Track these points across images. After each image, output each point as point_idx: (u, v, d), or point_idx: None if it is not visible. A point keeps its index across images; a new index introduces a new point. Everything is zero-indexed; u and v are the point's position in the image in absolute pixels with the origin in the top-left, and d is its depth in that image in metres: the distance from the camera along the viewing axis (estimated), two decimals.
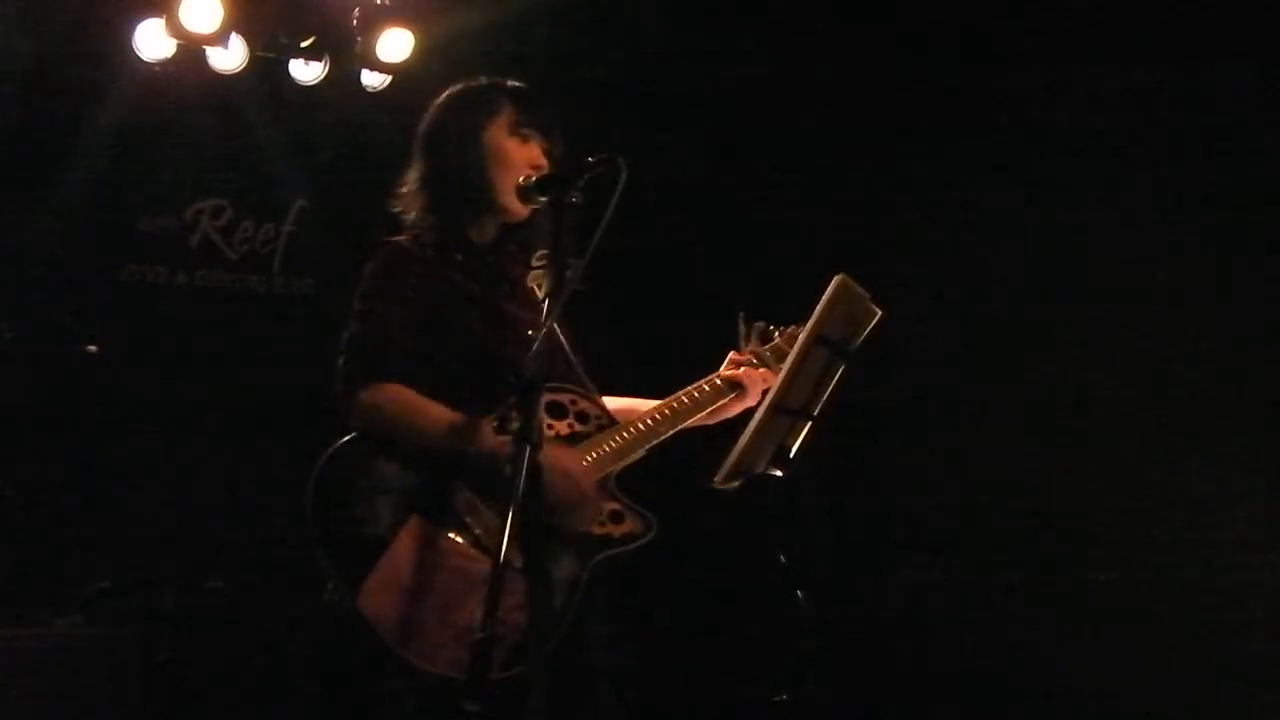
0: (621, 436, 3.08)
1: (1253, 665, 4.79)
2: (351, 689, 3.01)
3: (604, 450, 3.05)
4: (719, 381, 3.32)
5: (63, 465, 5.42)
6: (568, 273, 2.68)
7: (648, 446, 3.12)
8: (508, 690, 2.55)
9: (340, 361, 3.02)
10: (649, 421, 3.15)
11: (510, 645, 2.69)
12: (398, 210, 3.21)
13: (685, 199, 6.31)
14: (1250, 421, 5.22)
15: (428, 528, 2.85)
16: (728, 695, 5.54)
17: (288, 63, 5.84)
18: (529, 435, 2.53)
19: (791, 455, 3.20)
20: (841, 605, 5.39)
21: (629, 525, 3.01)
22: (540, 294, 3.15)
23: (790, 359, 3.14)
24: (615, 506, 3.03)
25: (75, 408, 5.45)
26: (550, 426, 3.00)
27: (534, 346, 2.67)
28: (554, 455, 2.84)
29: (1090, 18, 5.64)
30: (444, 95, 3.27)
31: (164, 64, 5.55)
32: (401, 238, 3.15)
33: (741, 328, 3.46)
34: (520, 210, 3.12)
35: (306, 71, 5.84)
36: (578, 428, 3.06)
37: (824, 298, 3.13)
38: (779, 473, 3.20)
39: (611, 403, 3.22)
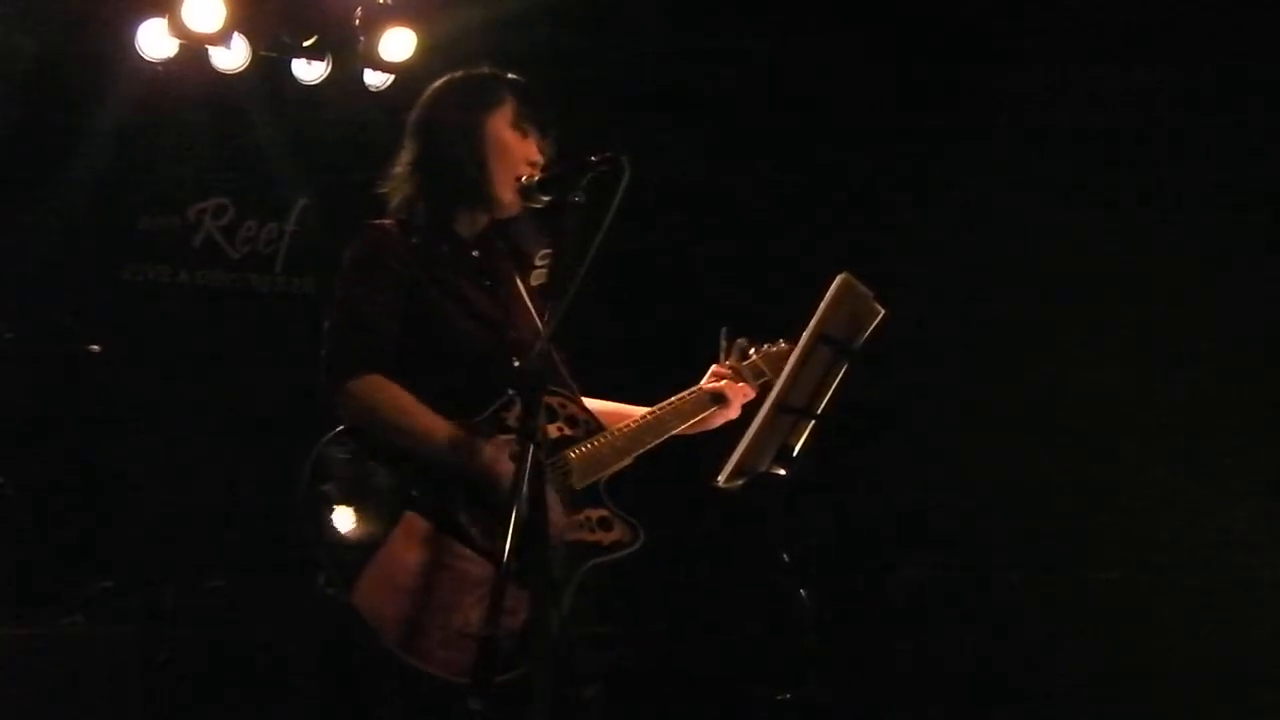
0: (609, 443, 3.07)
1: (1253, 665, 4.78)
2: (350, 688, 3.00)
3: (592, 455, 3.04)
4: (702, 393, 3.32)
5: (63, 465, 5.42)
6: (571, 274, 2.67)
7: (635, 454, 3.11)
8: (503, 694, 2.55)
9: (324, 352, 2.97)
10: (635, 429, 3.14)
11: (504, 649, 2.68)
12: (385, 191, 3.16)
13: (685, 199, 6.30)
14: (1250, 421, 5.22)
15: (423, 526, 2.83)
16: (728, 694, 5.54)
17: (290, 62, 5.85)
18: (533, 434, 2.52)
19: (795, 454, 3.20)
20: (842, 604, 5.39)
21: (617, 533, 3.01)
22: (535, 292, 3.15)
23: (793, 358, 3.14)
24: (604, 513, 3.02)
25: (75, 408, 5.45)
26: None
27: (537, 344, 2.67)
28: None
29: (1090, 18, 5.64)
30: (442, 82, 3.24)
31: (166, 63, 5.56)
32: (386, 221, 3.10)
33: (723, 343, 3.46)
34: (512, 205, 3.11)
35: (309, 71, 5.85)
36: (567, 432, 3.04)
37: (827, 296, 3.13)
38: (782, 472, 3.20)
39: (592, 405, 3.20)
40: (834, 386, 3.21)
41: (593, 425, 3.08)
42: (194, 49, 5.53)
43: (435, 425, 2.89)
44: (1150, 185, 5.48)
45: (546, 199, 3.04)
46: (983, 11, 5.86)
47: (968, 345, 5.77)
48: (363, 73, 5.83)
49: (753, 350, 3.46)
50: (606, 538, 2.99)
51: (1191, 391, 5.36)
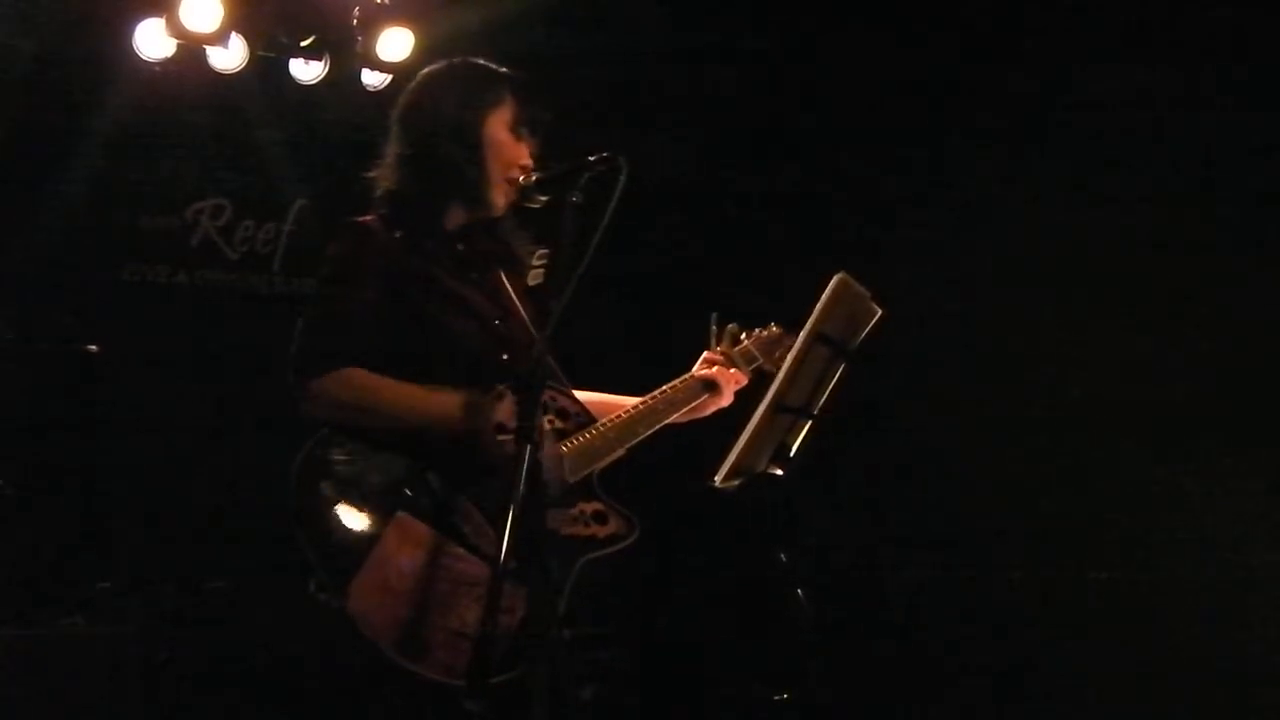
0: (601, 434, 3.05)
1: (1253, 665, 4.78)
2: (348, 690, 2.99)
3: (585, 448, 3.02)
4: (694, 380, 3.30)
5: (63, 465, 5.41)
6: (570, 273, 2.66)
7: (628, 445, 3.10)
8: (500, 694, 2.55)
9: (294, 349, 2.93)
10: (627, 420, 3.12)
11: (504, 648, 2.66)
12: (373, 177, 3.13)
13: (684, 199, 6.30)
14: (1250, 422, 5.21)
15: (414, 526, 2.81)
16: (726, 695, 5.54)
17: (288, 62, 5.85)
18: (530, 433, 2.51)
19: (792, 454, 3.20)
20: (841, 605, 5.38)
21: (613, 526, 2.99)
22: (519, 288, 3.14)
23: (790, 357, 3.14)
24: (599, 507, 3.00)
25: (75, 408, 5.44)
26: None
27: (536, 344, 2.66)
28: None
29: (1090, 18, 5.63)
30: (438, 71, 3.20)
31: (164, 63, 5.56)
32: (368, 218, 3.07)
33: (713, 328, 3.44)
34: (499, 205, 3.09)
35: (307, 71, 5.85)
36: (558, 424, 3.02)
37: (824, 296, 3.13)
38: (779, 472, 3.20)
39: (582, 396, 3.18)
40: (831, 386, 3.21)
41: (584, 417, 3.07)
42: (192, 49, 5.53)
43: (407, 390, 2.87)
44: (1150, 185, 5.47)
45: (544, 199, 3.04)
46: (982, 12, 5.85)
47: (967, 345, 5.77)
48: (360, 73, 5.83)
49: (744, 335, 3.45)
50: (602, 531, 2.97)
51: (1191, 392, 5.35)
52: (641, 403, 3.20)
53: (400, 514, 2.81)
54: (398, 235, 3.03)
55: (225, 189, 6.07)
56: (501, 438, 2.81)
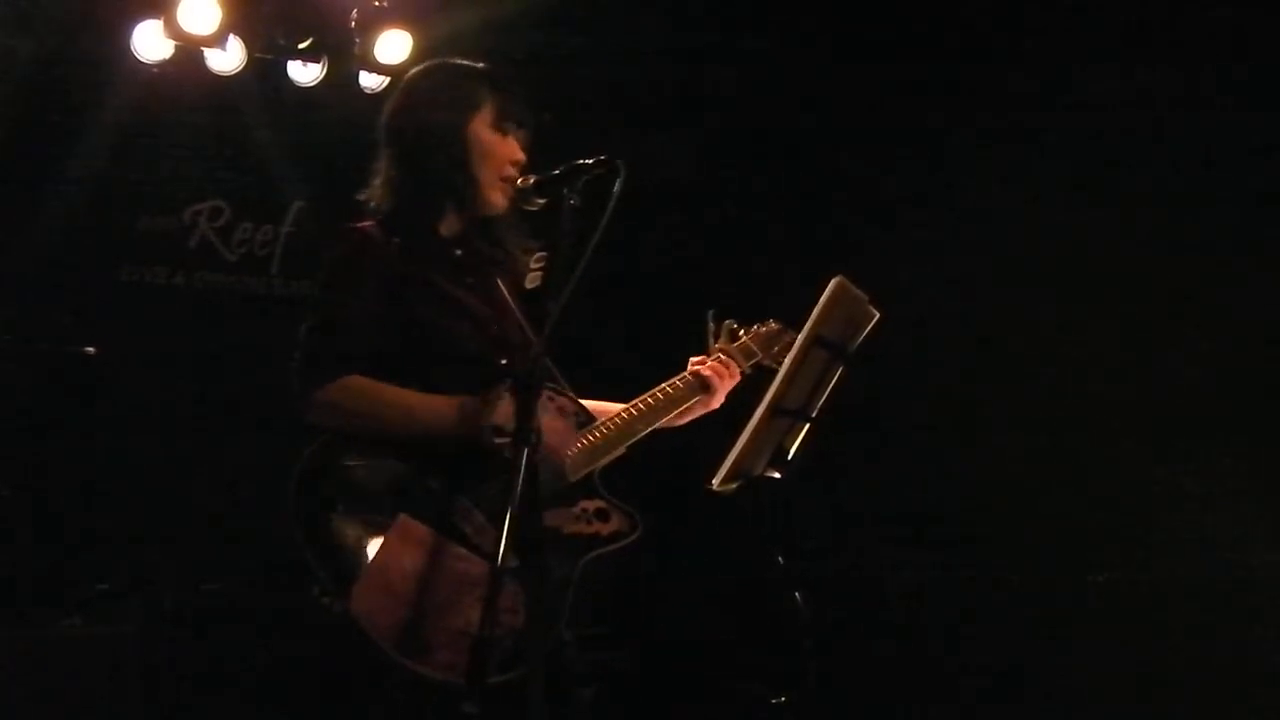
0: (600, 432, 3.05)
1: (1253, 665, 4.78)
2: (349, 690, 2.99)
3: (585, 446, 3.02)
4: (691, 378, 3.29)
5: (63, 465, 5.42)
6: (567, 275, 2.66)
7: (627, 444, 3.09)
8: (504, 694, 2.54)
9: (296, 356, 2.94)
10: (627, 418, 3.11)
11: (505, 649, 2.67)
12: (366, 199, 3.13)
13: (683, 199, 6.30)
14: (1250, 421, 5.22)
15: (415, 528, 2.80)
16: (724, 697, 5.53)
17: (286, 64, 5.84)
18: (527, 436, 2.51)
19: (790, 457, 3.19)
20: (841, 605, 5.38)
21: (616, 524, 2.98)
22: (517, 290, 3.14)
23: (788, 360, 3.14)
24: (600, 505, 2.99)
25: (74, 408, 5.44)
26: None
27: (534, 347, 2.66)
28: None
29: (1090, 18, 5.63)
30: (415, 80, 3.20)
31: (162, 65, 5.56)
32: (366, 224, 3.07)
33: (710, 325, 3.43)
34: (499, 205, 3.09)
35: (304, 73, 5.85)
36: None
37: (822, 299, 3.13)
38: (777, 474, 3.19)
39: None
40: (829, 389, 3.21)
41: (583, 416, 3.06)
42: (190, 51, 5.52)
43: (406, 396, 2.88)
44: (1150, 185, 5.47)
45: (541, 201, 3.02)
46: (982, 12, 5.85)
47: (967, 345, 5.77)
48: (358, 75, 5.82)
49: (742, 331, 3.44)
50: (605, 529, 2.97)
51: (1191, 391, 5.35)
52: (640, 402, 3.19)
53: (401, 516, 2.81)
54: (395, 241, 3.03)
55: (223, 190, 6.06)
56: (499, 440, 2.81)
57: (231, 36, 5.53)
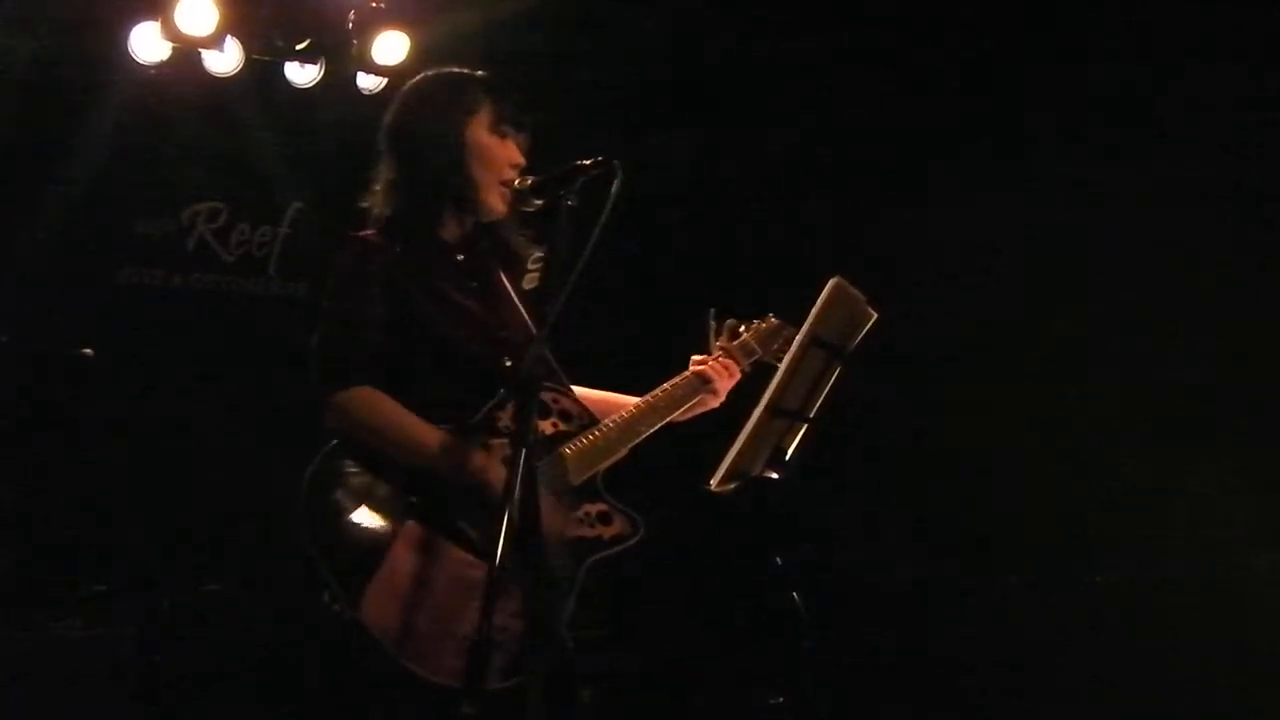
0: (604, 435, 3.06)
1: (1253, 665, 4.77)
2: (349, 691, 2.98)
3: (588, 449, 3.02)
4: (692, 376, 3.29)
5: (61, 466, 5.41)
6: (564, 277, 2.66)
7: (630, 445, 3.10)
8: (508, 700, 2.54)
9: (311, 364, 2.96)
10: (627, 420, 3.12)
11: (512, 653, 2.68)
12: (367, 206, 3.14)
13: (683, 199, 6.29)
14: (1250, 421, 5.21)
15: (424, 534, 2.82)
16: (722, 698, 5.53)
17: (283, 65, 5.84)
18: (525, 437, 2.51)
19: (788, 457, 3.19)
20: (840, 606, 5.38)
21: (617, 527, 3.00)
22: (522, 292, 3.14)
23: (786, 360, 3.13)
24: (603, 508, 3.01)
25: (73, 410, 5.44)
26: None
27: (530, 348, 2.66)
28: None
29: (1090, 18, 5.63)
30: (413, 88, 3.20)
31: (160, 67, 5.56)
32: (369, 232, 3.08)
33: (711, 323, 3.43)
34: (500, 208, 3.09)
35: (302, 74, 5.85)
36: (561, 427, 3.03)
37: (820, 299, 3.13)
38: (775, 475, 3.19)
39: (583, 394, 3.19)
40: (827, 390, 3.21)
41: (586, 419, 3.07)
42: (187, 52, 5.52)
43: (425, 434, 2.89)
44: (1150, 185, 5.47)
45: (539, 203, 3.03)
46: (983, 12, 5.85)
47: (967, 345, 5.77)
48: (356, 76, 5.82)
49: (742, 329, 3.44)
50: (607, 532, 2.98)
51: (1191, 391, 5.35)
52: (642, 402, 3.20)
53: (409, 522, 2.82)
54: (398, 249, 3.04)
55: (221, 192, 6.06)
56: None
57: (229, 38, 5.53)
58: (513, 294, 3.14)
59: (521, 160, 3.11)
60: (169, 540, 5.44)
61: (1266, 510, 5.05)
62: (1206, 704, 4.76)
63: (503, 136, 3.11)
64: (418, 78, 3.23)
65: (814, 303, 3.14)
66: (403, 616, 2.74)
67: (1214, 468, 5.22)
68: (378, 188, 3.13)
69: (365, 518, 2.81)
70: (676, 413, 3.24)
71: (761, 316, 3.47)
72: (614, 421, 3.10)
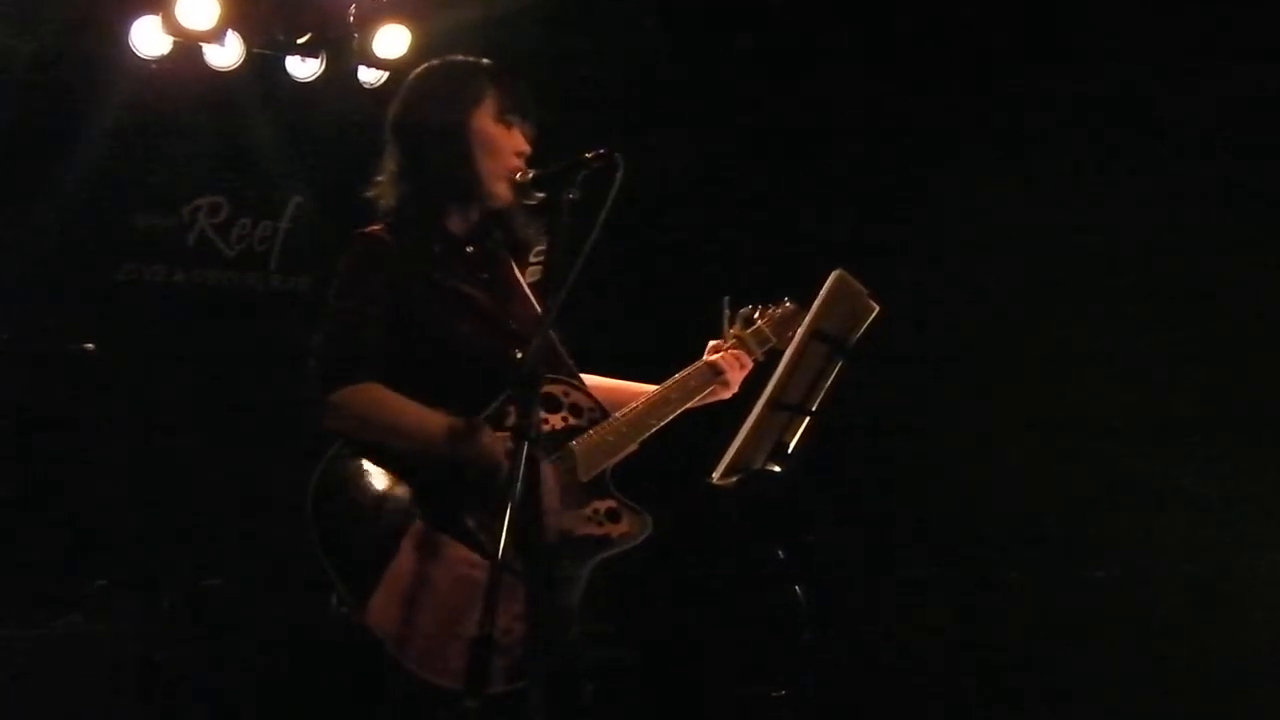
0: (614, 429, 3.03)
1: (1253, 665, 4.77)
2: (350, 690, 2.97)
3: (598, 444, 3.00)
4: (704, 366, 3.29)
5: (62, 464, 5.41)
6: (566, 270, 2.65)
7: (641, 439, 3.08)
8: (513, 702, 2.54)
9: (312, 363, 2.93)
10: (638, 413, 3.10)
11: (518, 656, 2.67)
12: (373, 196, 3.12)
13: (683, 197, 6.29)
14: (1249, 421, 5.21)
15: (431, 535, 2.79)
16: (723, 692, 5.53)
17: (284, 59, 5.85)
18: (527, 431, 2.50)
19: (790, 451, 3.19)
20: (841, 604, 5.38)
21: (626, 524, 2.97)
22: (531, 287, 3.13)
23: (787, 354, 3.13)
24: (612, 504, 2.98)
25: (73, 407, 5.44)
26: (545, 420, 2.95)
27: (532, 342, 2.65)
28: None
29: (1090, 18, 5.63)
30: (418, 78, 3.19)
31: (160, 61, 5.56)
32: (376, 227, 3.06)
33: (726, 312, 3.43)
34: (506, 197, 3.07)
35: (303, 68, 5.85)
36: (572, 421, 3.01)
37: (822, 293, 3.14)
38: (777, 469, 3.19)
39: (595, 383, 3.19)
40: (829, 383, 3.20)
41: (597, 413, 3.04)
42: (188, 46, 5.52)
43: (428, 418, 2.86)
44: (1150, 185, 5.47)
45: (541, 196, 3.01)
46: (982, 12, 5.85)
47: (967, 345, 5.76)
48: (357, 70, 5.82)
49: (757, 316, 3.43)
50: (615, 530, 2.96)
51: (1191, 391, 5.35)
52: (653, 394, 3.17)
53: (416, 523, 2.80)
54: (405, 244, 3.02)
55: (222, 187, 6.06)
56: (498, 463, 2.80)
57: (230, 32, 5.53)
58: (524, 285, 3.13)
59: (527, 149, 3.09)
60: (169, 538, 5.43)
61: (1265, 510, 5.05)
62: (1205, 704, 4.77)
63: (508, 125, 3.09)
64: (422, 67, 3.22)
65: (816, 298, 3.14)
66: (410, 622, 2.72)
67: (1214, 468, 5.21)
68: (382, 179, 3.12)
69: (371, 520, 2.79)
70: (688, 404, 3.22)
71: (776, 301, 3.46)
72: (624, 415, 3.08)
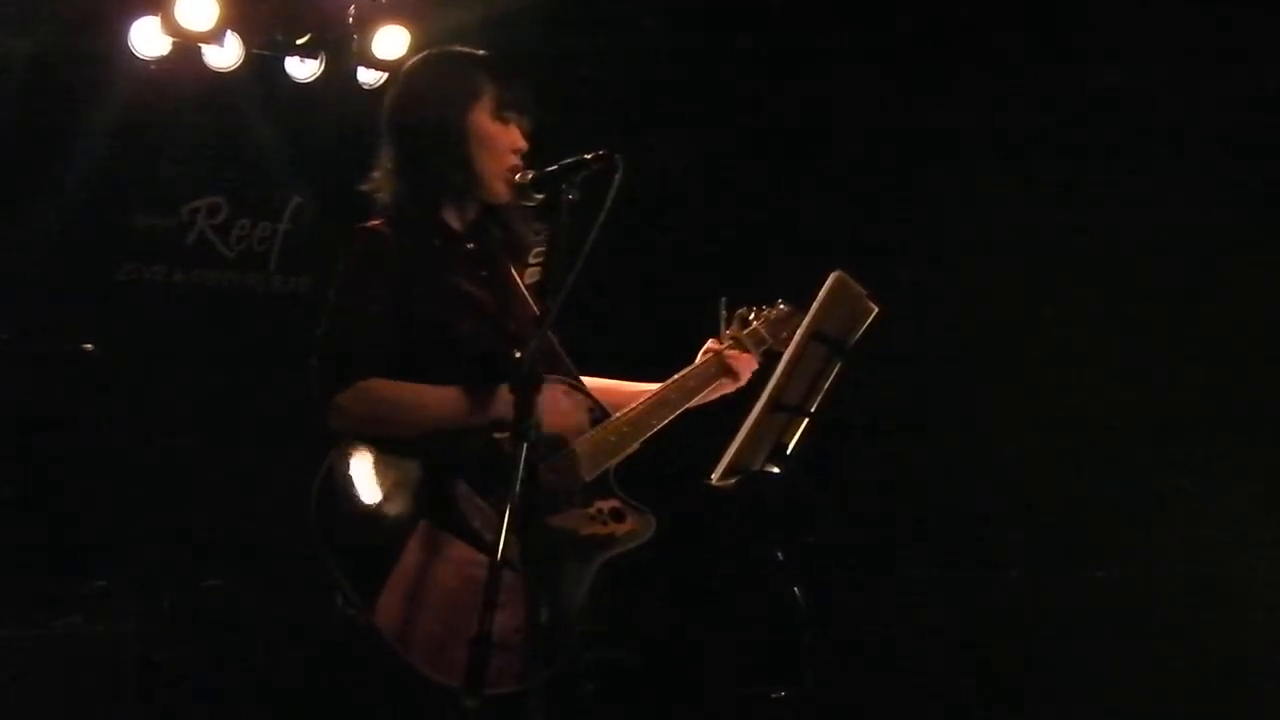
0: (616, 429, 3.01)
1: (1252, 665, 4.77)
2: (351, 690, 2.96)
3: (600, 444, 2.98)
4: (707, 364, 3.27)
5: (62, 465, 5.41)
6: (566, 270, 2.64)
7: (643, 438, 3.06)
8: (515, 703, 2.53)
9: (314, 362, 2.91)
10: (640, 412, 3.08)
11: (523, 657, 2.67)
12: (370, 190, 3.10)
13: (683, 197, 6.29)
14: (1249, 421, 5.21)
15: (436, 535, 2.78)
16: (723, 692, 5.53)
17: (284, 60, 5.84)
18: (526, 432, 2.50)
19: (789, 452, 3.18)
20: (841, 604, 5.37)
21: (630, 524, 2.95)
22: (529, 288, 3.13)
23: (786, 355, 3.13)
24: (615, 504, 2.96)
25: (73, 407, 5.44)
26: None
27: (531, 343, 2.64)
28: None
29: (1090, 18, 5.63)
30: (414, 71, 3.16)
31: (160, 62, 5.56)
32: (377, 223, 3.03)
33: (723, 312, 3.41)
34: (504, 193, 3.05)
35: (302, 69, 5.85)
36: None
37: (821, 294, 3.13)
38: (776, 470, 3.18)
39: (596, 384, 3.17)
40: (828, 385, 3.20)
41: (599, 413, 3.02)
42: (187, 47, 5.52)
43: (435, 392, 2.86)
44: (1150, 185, 5.47)
45: (540, 196, 3.00)
46: (982, 12, 5.85)
47: (967, 345, 5.76)
48: (356, 70, 5.82)
49: (753, 317, 3.42)
50: (620, 529, 2.93)
51: (1190, 392, 5.35)
52: (655, 393, 3.15)
53: (422, 523, 2.78)
54: (405, 239, 3.00)
55: (221, 187, 6.06)
56: (499, 435, 2.80)
57: (229, 33, 5.53)
58: (520, 281, 3.11)
59: (524, 145, 3.07)
60: (169, 538, 5.43)
61: (1266, 510, 5.05)
62: (1205, 704, 4.77)
63: (506, 122, 3.06)
64: (418, 58, 3.19)
65: (815, 299, 3.14)
66: (417, 622, 2.70)
67: (1214, 468, 5.22)
68: (380, 174, 3.09)
69: (377, 520, 2.77)
70: (691, 403, 3.20)
71: (771, 303, 3.45)
72: (626, 415, 3.05)
